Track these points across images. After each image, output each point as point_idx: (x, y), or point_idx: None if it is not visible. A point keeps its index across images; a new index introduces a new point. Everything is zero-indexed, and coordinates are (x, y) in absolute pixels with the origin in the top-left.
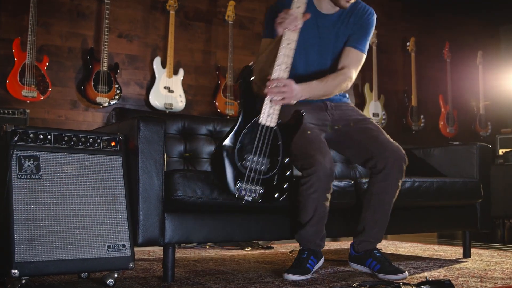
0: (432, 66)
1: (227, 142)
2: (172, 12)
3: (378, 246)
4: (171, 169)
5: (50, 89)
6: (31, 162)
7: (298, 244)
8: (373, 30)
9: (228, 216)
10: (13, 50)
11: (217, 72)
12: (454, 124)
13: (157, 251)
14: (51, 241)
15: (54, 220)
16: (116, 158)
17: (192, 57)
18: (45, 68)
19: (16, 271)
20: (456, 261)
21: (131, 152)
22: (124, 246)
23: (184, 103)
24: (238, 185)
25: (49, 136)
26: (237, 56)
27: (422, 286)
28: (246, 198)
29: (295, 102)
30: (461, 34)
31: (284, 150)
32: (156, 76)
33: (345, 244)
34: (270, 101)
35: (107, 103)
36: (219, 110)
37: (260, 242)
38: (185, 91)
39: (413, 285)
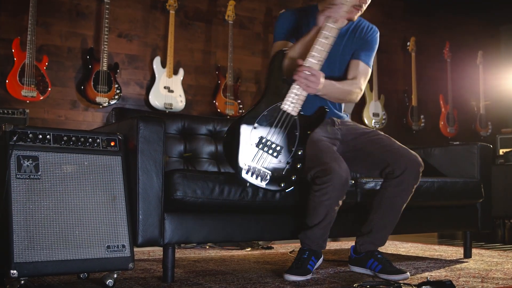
0: (432, 66)
1: (244, 120)
2: (172, 12)
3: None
4: (171, 169)
5: (49, 89)
6: (30, 162)
7: (298, 244)
8: (377, 47)
9: (228, 216)
10: (13, 50)
11: (217, 72)
12: (455, 124)
13: (156, 252)
14: (50, 241)
15: (53, 220)
16: (115, 158)
17: (192, 57)
18: (44, 68)
19: (15, 271)
20: (457, 261)
21: (130, 152)
22: (123, 246)
23: (184, 103)
24: (248, 163)
25: (48, 136)
26: (237, 56)
27: (423, 287)
28: (250, 180)
29: (314, 94)
30: (461, 34)
31: (299, 141)
32: (156, 76)
33: (345, 244)
34: (296, 89)
35: (106, 103)
36: (219, 110)
37: (260, 242)
38: (185, 91)
39: (414, 285)
